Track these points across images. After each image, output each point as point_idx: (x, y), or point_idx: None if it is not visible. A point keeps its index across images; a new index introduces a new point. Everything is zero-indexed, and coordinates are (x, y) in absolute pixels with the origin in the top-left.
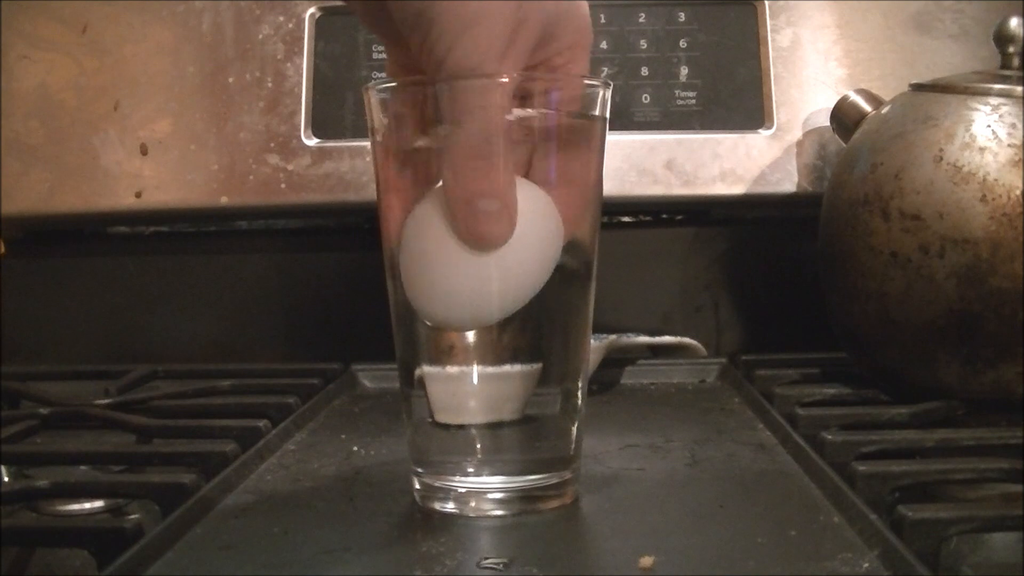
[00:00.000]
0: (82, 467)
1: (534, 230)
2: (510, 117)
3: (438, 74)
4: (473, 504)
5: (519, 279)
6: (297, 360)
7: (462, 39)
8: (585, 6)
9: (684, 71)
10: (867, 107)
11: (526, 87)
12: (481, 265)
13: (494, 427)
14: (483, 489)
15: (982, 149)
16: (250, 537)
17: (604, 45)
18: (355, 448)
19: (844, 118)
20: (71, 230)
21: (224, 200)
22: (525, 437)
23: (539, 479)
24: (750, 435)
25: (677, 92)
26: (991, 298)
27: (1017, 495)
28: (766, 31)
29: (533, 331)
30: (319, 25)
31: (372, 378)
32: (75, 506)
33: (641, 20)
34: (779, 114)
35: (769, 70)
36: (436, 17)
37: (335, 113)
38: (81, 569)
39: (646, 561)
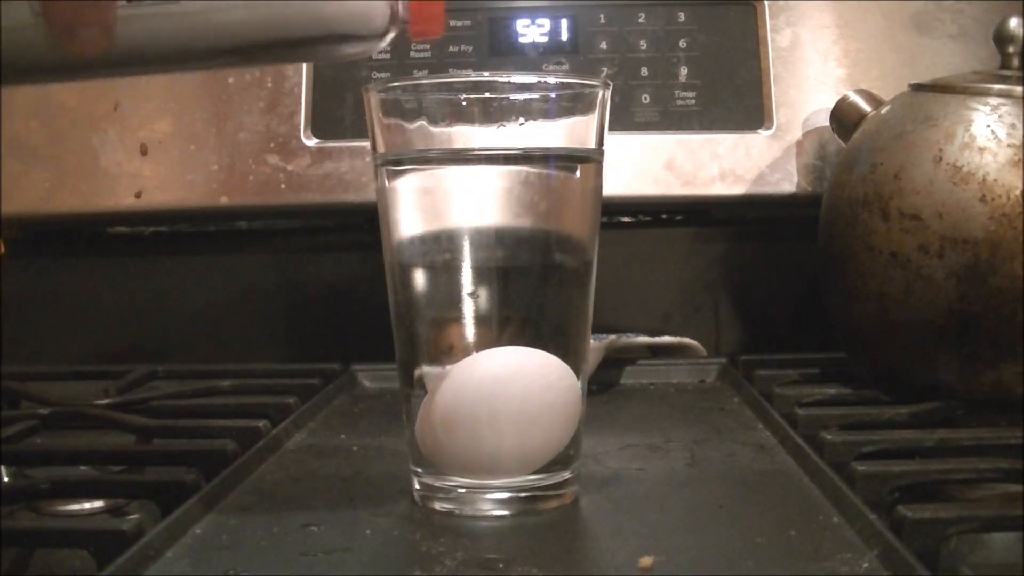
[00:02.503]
0: (82, 467)
1: (551, 399)
2: None
3: None
4: (473, 504)
5: (539, 442)
6: (297, 360)
7: None
8: None
9: (684, 71)
10: (867, 107)
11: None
12: (505, 429)
13: None
14: (483, 489)
15: (982, 149)
16: (250, 537)
17: (604, 45)
18: (355, 448)
19: (844, 118)
20: (71, 230)
21: (224, 200)
22: None
23: (538, 479)
24: (750, 435)
25: (677, 92)
26: (991, 298)
27: (1017, 495)
28: (766, 31)
29: (533, 331)
30: None
31: (372, 378)
32: (75, 506)
33: (641, 20)
34: (779, 114)
35: (769, 70)
36: None
37: (335, 113)
38: (81, 569)
39: (645, 561)
